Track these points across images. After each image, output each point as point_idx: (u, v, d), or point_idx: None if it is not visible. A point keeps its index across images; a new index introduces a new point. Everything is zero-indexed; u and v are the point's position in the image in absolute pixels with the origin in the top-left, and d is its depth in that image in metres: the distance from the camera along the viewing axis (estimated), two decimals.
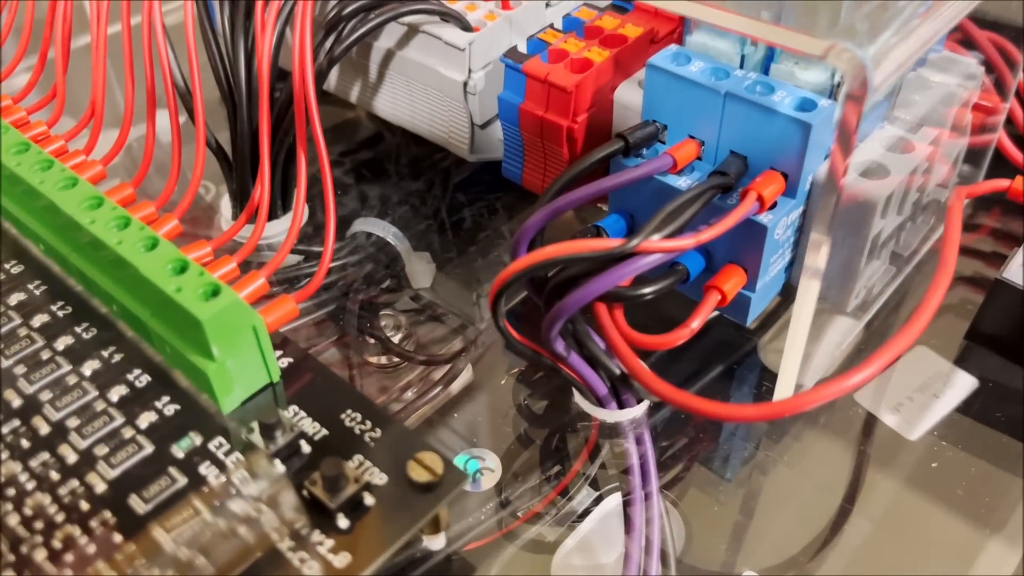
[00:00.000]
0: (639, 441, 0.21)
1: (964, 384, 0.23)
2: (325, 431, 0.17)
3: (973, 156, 0.25)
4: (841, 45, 0.14)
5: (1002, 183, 0.23)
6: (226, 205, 0.25)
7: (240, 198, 0.24)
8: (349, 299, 0.24)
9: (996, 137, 0.24)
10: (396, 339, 0.24)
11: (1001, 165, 0.26)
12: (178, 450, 0.17)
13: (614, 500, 0.21)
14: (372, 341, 0.24)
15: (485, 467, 0.21)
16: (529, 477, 0.21)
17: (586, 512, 0.20)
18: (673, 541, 0.20)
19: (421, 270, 0.25)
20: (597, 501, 0.20)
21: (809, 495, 0.21)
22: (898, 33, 0.16)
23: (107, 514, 0.16)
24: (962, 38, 0.23)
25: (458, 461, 0.21)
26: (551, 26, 0.22)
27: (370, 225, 0.26)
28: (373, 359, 0.23)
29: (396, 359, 0.23)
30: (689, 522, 0.21)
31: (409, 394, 0.23)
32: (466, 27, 0.23)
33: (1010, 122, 0.25)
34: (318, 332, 0.24)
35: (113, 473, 0.16)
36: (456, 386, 0.23)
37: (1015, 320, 0.20)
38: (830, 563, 0.20)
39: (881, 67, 0.15)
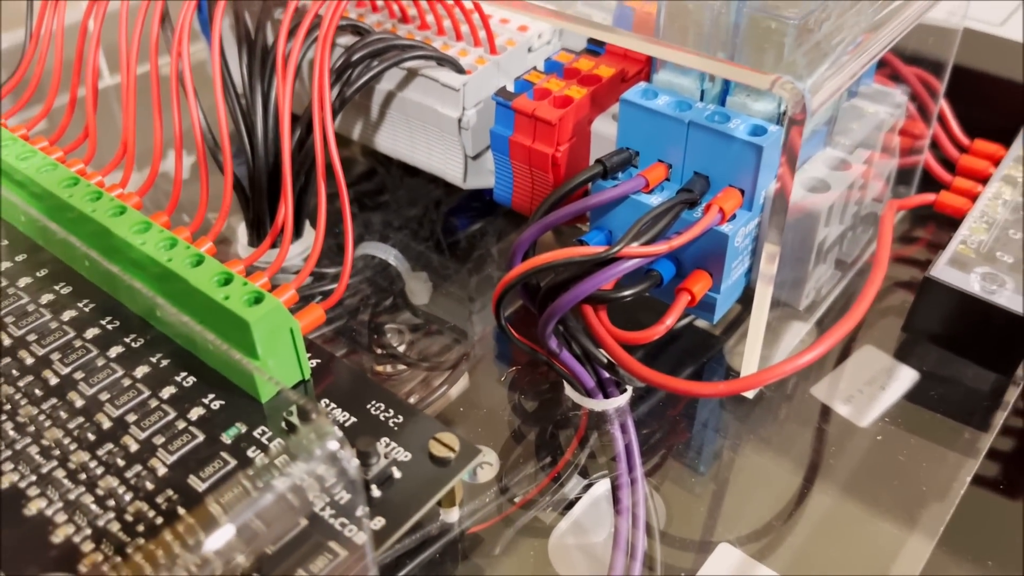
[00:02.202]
0: (623, 429, 0.24)
1: (907, 377, 0.26)
2: (354, 419, 0.20)
3: (905, 175, 0.28)
4: (784, 78, 0.18)
5: (929, 197, 0.27)
6: (242, 232, 0.28)
7: (256, 226, 0.27)
8: (357, 316, 0.27)
9: (923, 158, 0.27)
10: (401, 350, 0.26)
11: (930, 183, 0.29)
12: (226, 437, 0.19)
13: (603, 485, 0.23)
14: (379, 352, 0.26)
15: (484, 461, 0.24)
16: (525, 467, 0.24)
17: (577, 497, 0.23)
18: (657, 518, 0.23)
19: (419, 288, 0.28)
20: (587, 487, 0.23)
21: (775, 475, 0.24)
22: (832, 67, 0.20)
23: (170, 492, 0.18)
24: (891, 73, 0.27)
25: (484, 457, 0.24)
26: (534, 68, 0.26)
27: (373, 248, 0.28)
28: (380, 368, 0.26)
29: (401, 368, 0.26)
30: (669, 501, 0.23)
31: (412, 400, 0.25)
32: (460, 70, 0.26)
33: (935, 146, 0.29)
34: (335, 346, 0.26)
35: (171, 458, 0.19)
36: (454, 392, 0.26)
37: (942, 311, 0.23)
38: (796, 531, 0.23)
39: (817, 95, 0.18)
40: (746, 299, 0.25)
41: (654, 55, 0.21)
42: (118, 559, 0.17)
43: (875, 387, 0.26)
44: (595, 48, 0.27)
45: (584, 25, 0.22)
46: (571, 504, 0.23)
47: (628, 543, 0.22)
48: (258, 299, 0.19)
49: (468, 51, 0.26)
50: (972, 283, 0.23)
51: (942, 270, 0.23)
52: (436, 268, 0.29)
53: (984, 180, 0.27)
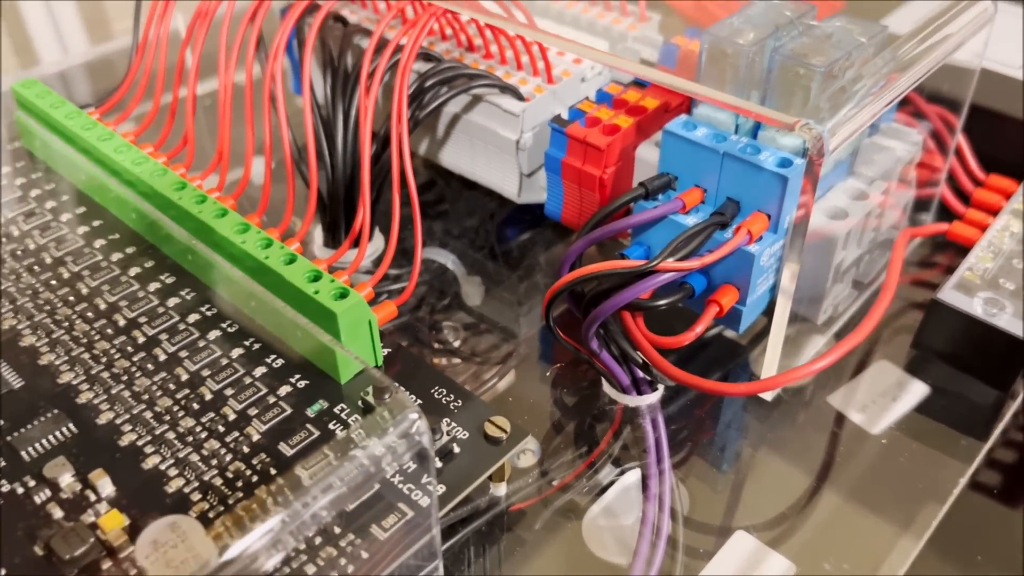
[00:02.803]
0: (654, 424, 0.26)
1: (918, 390, 0.29)
2: (419, 400, 0.23)
3: (923, 205, 0.31)
4: (804, 121, 0.20)
5: (943, 226, 0.29)
6: (319, 234, 0.31)
7: (332, 229, 0.30)
8: (418, 314, 0.30)
9: (939, 190, 0.30)
10: (456, 345, 0.29)
11: (948, 213, 0.32)
12: (311, 412, 0.22)
13: (634, 475, 0.26)
14: (436, 346, 0.29)
15: (527, 448, 0.27)
16: (564, 454, 0.26)
17: (610, 484, 0.26)
18: (681, 505, 0.26)
19: (473, 291, 0.31)
20: (620, 475, 0.26)
21: (789, 473, 0.26)
22: (851, 111, 0.22)
23: (263, 455, 0.21)
24: (912, 110, 0.30)
25: (529, 445, 0.26)
26: (587, 98, 0.28)
27: (434, 254, 0.31)
28: (437, 360, 0.29)
29: (456, 361, 0.29)
30: (692, 491, 0.26)
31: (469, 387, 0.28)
32: (520, 97, 0.29)
33: (953, 179, 0.31)
34: (400, 339, 0.30)
35: (264, 427, 0.22)
36: (502, 385, 0.29)
37: (947, 331, 0.26)
38: (807, 523, 0.25)
39: (836, 137, 0.21)
40: (770, 311, 0.28)
41: (699, 97, 0.23)
42: (221, 508, 0.20)
43: (887, 398, 0.29)
44: (642, 81, 0.30)
45: (628, 66, 0.25)
46: (604, 489, 0.26)
47: (654, 525, 0.25)
48: (343, 294, 0.22)
49: (527, 80, 0.29)
50: (975, 306, 0.25)
51: (948, 293, 0.26)
52: (489, 273, 0.32)
53: (995, 213, 0.29)
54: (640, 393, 0.26)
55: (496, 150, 0.29)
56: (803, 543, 0.25)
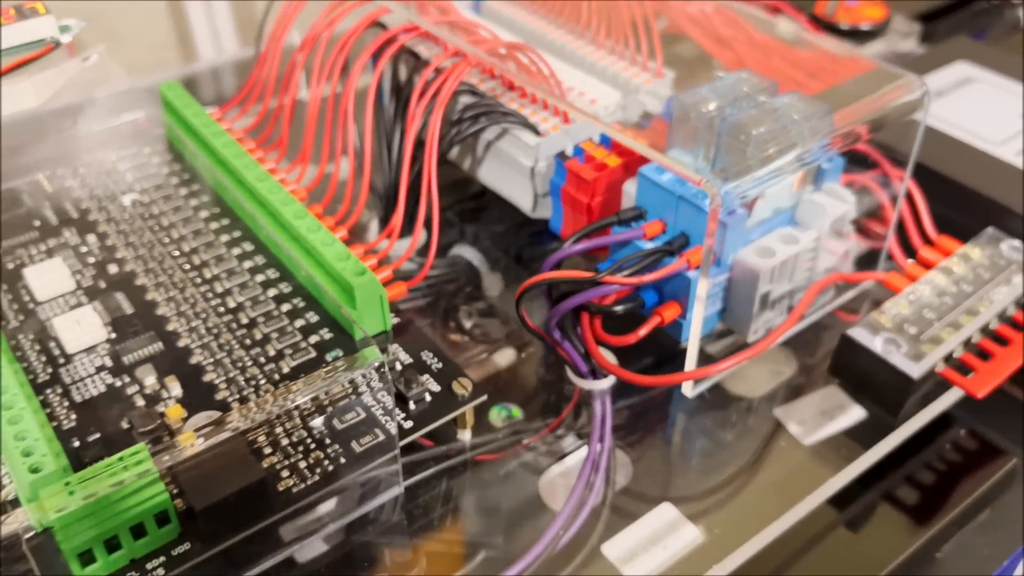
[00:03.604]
0: (603, 404, 0.33)
1: (856, 414, 0.34)
2: (410, 359, 0.30)
3: (875, 254, 0.36)
4: (706, 179, 0.27)
5: (880, 275, 0.34)
6: (375, 225, 0.39)
7: (385, 222, 0.38)
8: (442, 297, 0.37)
9: (886, 243, 0.35)
10: (467, 326, 0.37)
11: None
12: (328, 356, 0.30)
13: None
14: (451, 324, 0.36)
15: (511, 414, 0.33)
16: (533, 421, 0.33)
17: (572, 452, 0.32)
18: (616, 474, 0.32)
19: (493, 284, 0.38)
20: (582, 446, 0.32)
21: (720, 462, 0.32)
22: (760, 173, 0.28)
23: (287, 382, 0.29)
24: (879, 173, 0.35)
25: (497, 409, 0.33)
26: (590, 138, 0.35)
27: (464, 250, 0.39)
28: (451, 336, 0.36)
29: (464, 338, 0.36)
30: (633, 465, 0.32)
31: (465, 361, 0.35)
32: (537, 133, 0.35)
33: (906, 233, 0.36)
34: (421, 315, 0.37)
35: (293, 363, 0.30)
36: (503, 361, 0.36)
37: (852, 361, 0.31)
38: (725, 504, 0.31)
39: (740, 190, 0.27)
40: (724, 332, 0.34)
41: (642, 153, 0.30)
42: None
43: (826, 417, 0.34)
44: (643, 123, 0.36)
45: (594, 121, 0.31)
46: (564, 456, 0.32)
47: (588, 482, 0.31)
48: (362, 272, 0.30)
49: (548, 119, 0.36)
50: (876, 344, 0.31)
51: (856, 330, 0.31)
52: (509, 271, 0.39)
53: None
54: (595, 379, 0.33)
55: (516, 173, 0.36)
56: (714, 518, 0.30)
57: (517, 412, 0.33)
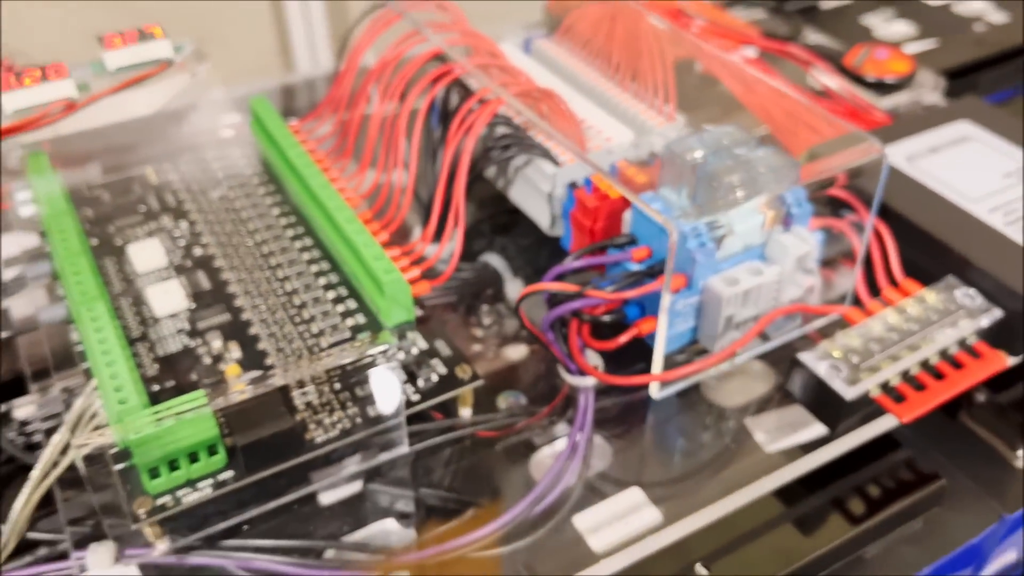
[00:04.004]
0: (587, 398, 0.39)
1: (817, 430, 0.39)
2: (426, 346, 0.37)
3: (842, 289, 0.41)
4: (671, 220, 0.32)
5: (842, 308, 0.39)
6: (418, 230, 0.46)
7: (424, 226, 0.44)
8: (466, 298, 0.44)
9: (852, 281, 0.40)
10: (486, 323, 0.43)
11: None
12: (359, 337, 0.37)
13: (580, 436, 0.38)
14: (471, 320, 0.43)
15: (517, 400, 0.39)
16: (530, 407, 0.39)
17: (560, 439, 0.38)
18: (595, 458, 0.38)
19: (514, 290, 0.44)
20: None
21: (688, 459, 0.38)
22: (718, 216, 0.34)
23: (323, 354, 0.36)
24: (829, 212, 0.39)
25: (504, 395, 0.39)
26: (600, 170, 0.41)
27: (491, 258, 0.45)
28: (462, 329, 0.43)
29: (480, 334, 0.42)
30: (609, 456, 0.38)
31: (478, 354, 0.42)
32: (556, 163, 0.42)
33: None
34: (447, 310, 0.44)
35: (330, 341, 0.37)
36: (501, 352, 0.42)
37: (800, 382, 0.36)
38: (688, 492, 0.36)
39: (693, 232, 0.33)
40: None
41: (624, 194, 0.36)
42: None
43: (790, 430, 0.39)
44: (649, 161, 0.42)
45: (584, 162, 0.37)
46: (554, 440, 0.38)
47: (565, 462, 0.37)
48: (391, 271, 0.36)
49: (566, 152, 0.42)
50: (820, 368, 0.36)
51: (806, 355, 0.36)
52: (530, 279, 0.45)
53: None
54: (580, 376, 0.39)
55: (537, 196, 0.42)
56: (673, 503, 0.36)
57: (521, 397, 0.40)
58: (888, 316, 0.38)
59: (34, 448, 0.36)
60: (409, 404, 0.35)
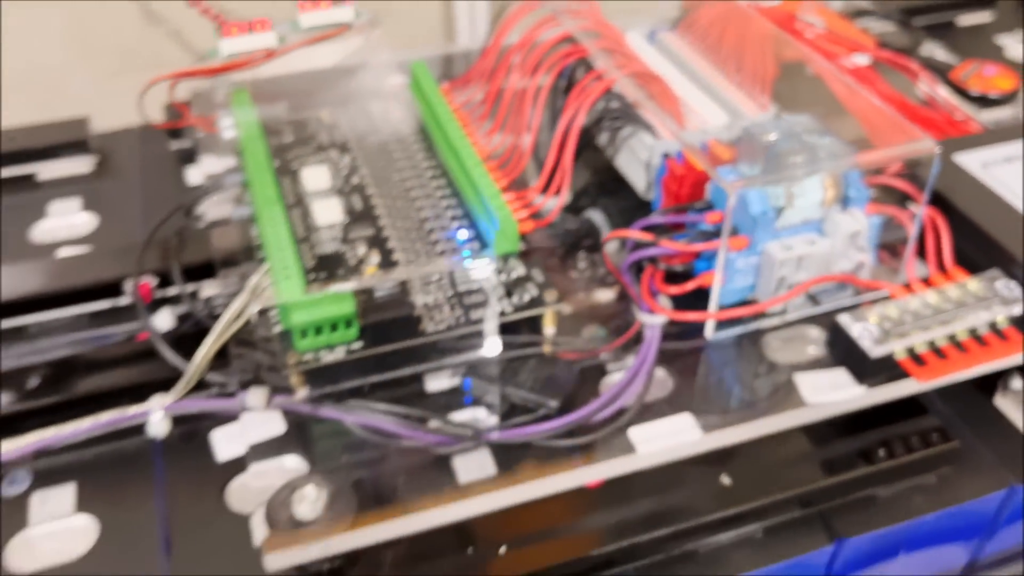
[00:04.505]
0: (653, 333, 0.46)
1: (858, 392, 0.45)
2: (524, 272, 0.45)
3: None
4: (726, 184, 0.39)
5: (887, 284, 0.45)
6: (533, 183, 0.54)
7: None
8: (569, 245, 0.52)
9: (903, 263, 0.45)
10: (581, 266, 0.51)
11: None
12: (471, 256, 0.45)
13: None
14: (568, 262, 0.51)
15: (599, 332, 0.47)
16: (608, 339, 0.47)
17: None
18: (655, 385, 0.45)
19: (612, 246, 0.52)
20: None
21: (736, 392, 0.44)
22: (771, 186, 0.40)
23: (440, 262, 0.45)
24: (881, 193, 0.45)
25: (589, 327, 0.47)
26: (690, 145, 0.48)
27: (593, 214, 0.53)
28: (559, 266, 0.50)
29: (575, 275, 0.50)
30: (669, 383, 0.45)
31: (580, 295, 0.50)
32: (655, 136, 0.49)
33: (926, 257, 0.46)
34: (548, 253, 0.52)
35: (449, 261, 0.45)
36: (589, 288, 0.49)
37: (838, 342, 0.42)
38: (732, 417, 0.43)
39: (749, 196, 0.39)
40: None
41: (696, 160, 0.43)
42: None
43: (833, 388, 0.45)
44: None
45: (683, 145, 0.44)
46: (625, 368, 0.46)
47: (631, 379, 0.44)
48: (502, 207, 0.45)
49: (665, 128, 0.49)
50: (855, 329, 0.42)
51: (844, 318, 0.42)
52: None
53: None
54: (650, 314, 0.46)
55: (637, 163, 0.50)
56: (718, 429, 0.43)
57: (603, 331, 0.47)
58: (928, 295, 0.43)
59: (215, 318, 0.47)
60: (503, 315, 0.43)
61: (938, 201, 0.48)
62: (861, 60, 0.61)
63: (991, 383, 0.47)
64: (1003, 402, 0.47)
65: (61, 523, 0.41)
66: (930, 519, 0.42)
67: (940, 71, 0.62)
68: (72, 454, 0.43)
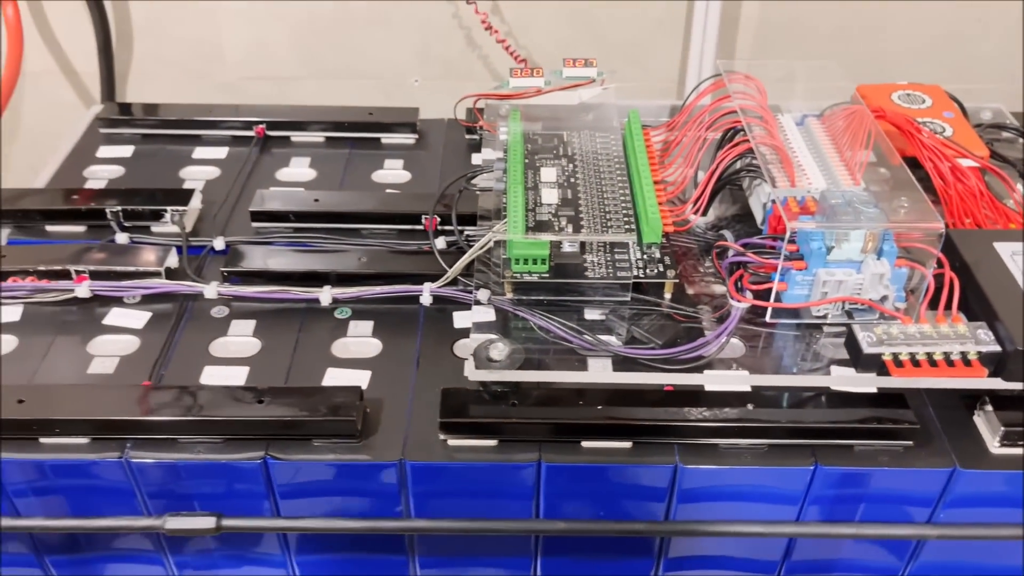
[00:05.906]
0: (735, 312, 0.69)
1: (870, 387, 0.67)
2: (658, 255, 0.71)
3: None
4: (786, 217, 0.63)
5: (898, 314, 0.66)
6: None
7: (694, 204, 0.77)
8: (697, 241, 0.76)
9: (918, 305, 0.66)
10: (706, 266, 0.75)
11: None
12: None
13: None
14: (702, 260, 0.75)
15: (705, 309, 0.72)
16: (710, 314, 0.71)
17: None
18: (732, 344, 0.69)
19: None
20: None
21: (792, 356, 0.68)
22: (821, 232, 0.63)
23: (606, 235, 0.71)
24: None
25: (700, 304, 0.72)
26: (792, 197, 0.71)
27: (725, 232, 0.77)
28: (693, 253, 0.75)
29: (703, 270, 0.75)
30: (746, 348, 0.69)
31: (700, 283, 0.74)
32: (774, 185, 0.72)
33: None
34: (685, 252, 0.76)
35: (614, 239, 0.71)
36: (715, 289, 0.74)
37: (849, 340, 0.64)
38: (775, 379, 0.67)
39: (802, 235, 0.63)
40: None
41: (783, 213, 0.66)
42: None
43: (853, 381, 0.67)
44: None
45: (786, 196, 0.68)
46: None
47: (715, 337, 0.69)
48: (655, 209, 0.70)
49: (783, 179, 0.72)
50: (859, 333, 0.64)
51: (857, 326, 0.64)
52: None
53: None
54: (735, 300, 0.70)
55: (758, 203, 0.73)
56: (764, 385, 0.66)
57: (706, 307, 0.72)
58: (925, 326, 0.64)
59: (471, 246, 0.76)
60: (638, 278, 0.69)
61: (965, 267, 0.68)
62: (965, 163, 0.80)
63: (973, 404, 0.67)
64: (979, 420, 0.66)
65: (364, 340, 0.72)
66: (888, 472, 0.63)
67: None
68: (373, 305, 0.74)
